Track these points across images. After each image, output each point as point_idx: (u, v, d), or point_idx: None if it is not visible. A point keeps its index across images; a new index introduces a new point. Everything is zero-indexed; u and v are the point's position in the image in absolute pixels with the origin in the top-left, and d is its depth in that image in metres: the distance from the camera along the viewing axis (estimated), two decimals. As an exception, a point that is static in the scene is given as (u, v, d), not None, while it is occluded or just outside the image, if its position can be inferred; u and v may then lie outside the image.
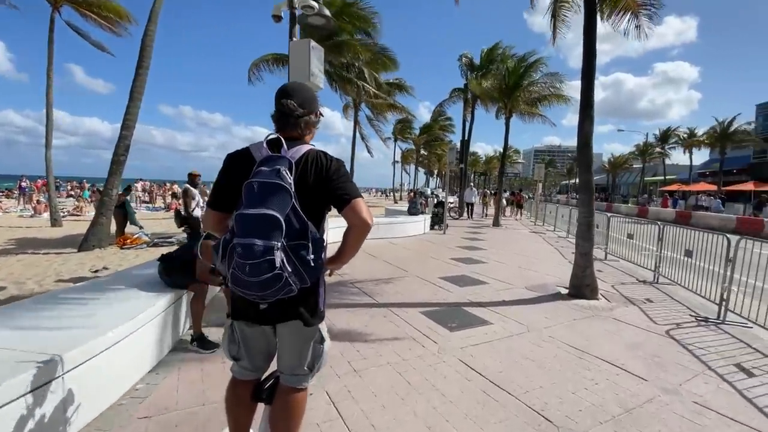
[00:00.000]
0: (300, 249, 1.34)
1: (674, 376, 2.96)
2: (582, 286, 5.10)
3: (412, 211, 12.17)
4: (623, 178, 51.96)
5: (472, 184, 17.73)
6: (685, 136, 29.89)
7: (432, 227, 12.91)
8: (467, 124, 20.21)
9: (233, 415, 1.65)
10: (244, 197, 1.34)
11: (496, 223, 14.96)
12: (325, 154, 1.51)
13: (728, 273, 4.36)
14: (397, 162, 40.78)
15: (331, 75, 11.60)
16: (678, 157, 40.46)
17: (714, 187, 27.14)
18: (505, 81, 14.70)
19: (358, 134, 21.44)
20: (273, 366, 1.68)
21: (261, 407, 1.71)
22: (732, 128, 25.20)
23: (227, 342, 1.62)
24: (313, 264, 1.38)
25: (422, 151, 38.31)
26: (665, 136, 37.15)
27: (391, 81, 19.80)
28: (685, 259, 5.67)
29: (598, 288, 5.18)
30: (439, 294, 5.07)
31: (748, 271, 4.20)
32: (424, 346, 3.35)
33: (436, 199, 17.32)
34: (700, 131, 28.67)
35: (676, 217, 22.22)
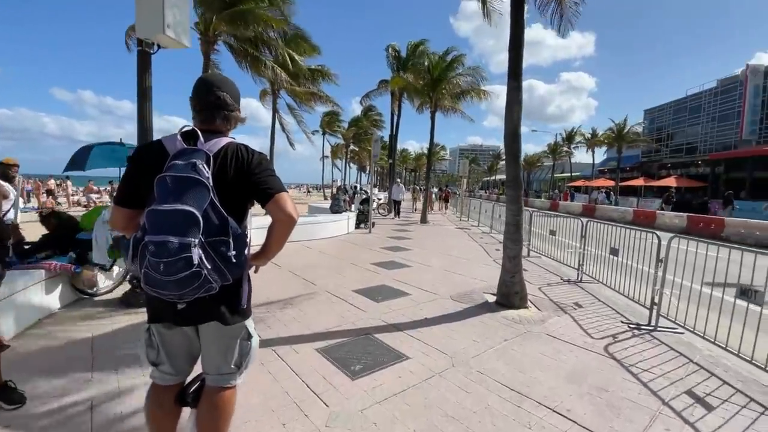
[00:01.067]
0: (220, 245, 1.29)
1: (630, 423, 2.29)
2: (511, 294, 4.48)
3: (335, 209, 11.04)
4: (535, 175, 56.60)
5: (399, 179, 16.95)
6: (589, 136, 33.16)
7: (357, 226, 11.93)
8: (395, 118, 19.66)
9: (156, 425, 1.52)
10: (156, 192, 1.24)
11: (423, 220, 14.52)
12: (246, 147, 1.44)
13: (659, 274, 4.01)
14: (327, 157, 39.16)
15: (236, 50, 9.91)
16: (581, 156, 45.07)
17: (612, 183, 30.41)
18: (430, 73, 14.27)
19: (278, 124, 19.62)
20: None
21: (185, 414, 1.58)
22: (626, 130, 28.51)
23: (145, 347, 1.49)
24: (235, 260, 1.32)
25: (352, 146, 37.28)
26: (570, 136, 40.93)
27: (313, 67, 18.36)
28: (609, 257, 5.43)
29: (527, 295, 4.61)
30: (349, 316, 4.04)
31: (682, 272, 3.86)
32: (307, 415, 2.28)
33: (364, 195, 16.43)
34: (600, 132, 31.99)
35: (583, 210, 24.31)
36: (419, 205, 26.01)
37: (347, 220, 10.62)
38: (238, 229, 1.35)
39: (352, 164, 55.64)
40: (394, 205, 16.84)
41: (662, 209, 16.32)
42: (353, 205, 13.26)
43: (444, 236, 11.05)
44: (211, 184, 1.28)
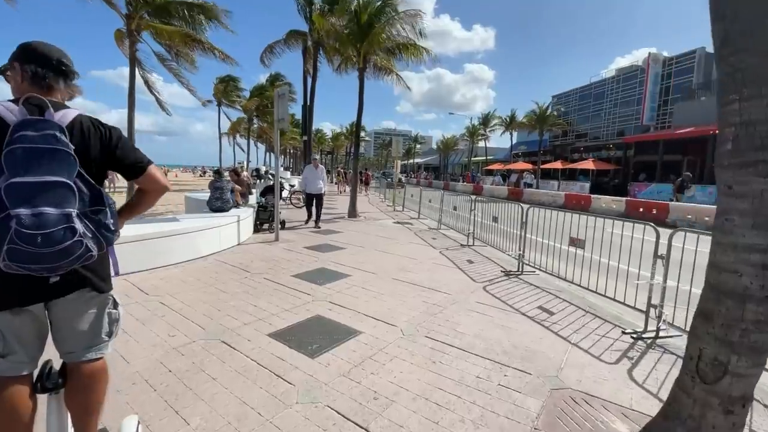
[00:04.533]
0: (97, 214, 1.31)
1: None
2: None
3: (215, 204, 6.92)
4: (450, 159, 57.03)
5: (317, 157, 11.07)
6: (508, 119, 33.02)
7: (258, 228, 7.99)
8: (309, 82, 15.52)
9: (10, 422, 1.31)
10: (6, 165, 1.17)
11: (352, 213, 11.10)
12: (98, 120, 1.43)
13: None
14: (225, 134, 32.66)
15: None
16: (493, 140, 45.94)
17: (530, 166, 30.71)
18: (357, 18, 10.64)
19: (141, 80, 13.97)
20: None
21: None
22: (548, 112, 28.65)
23: None
24: (112, 228, 1.36)
25: (257, 122, 31.56)
26: (486, 120, 41.10)
27: (191, 1, 13.17)
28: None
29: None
30: None
31: None
32: None
33: (269, 181, 12.20)
34: (521, 114, 31.98)
35: (509, 194, 23.50)
36: (343, 188, 22.88)
37: (237, 222, 6.64)
38: (109, 197, 1.37)
39: (260, 144, 49.13)
40: (312, 203, 8.98)
41: (676, 199, 14.17)
42: (254, 196, 9.18)
43: (387, 240, 7.81)
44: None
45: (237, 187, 7.40)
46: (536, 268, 5.51)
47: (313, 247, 6.72)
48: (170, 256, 5.12)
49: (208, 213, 6.87)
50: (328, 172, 44.66)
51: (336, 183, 23.25)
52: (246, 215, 7.16)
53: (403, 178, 33.08)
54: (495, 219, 6.64)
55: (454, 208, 9.05)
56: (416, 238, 8.22)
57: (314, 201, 8.93)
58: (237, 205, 7.55)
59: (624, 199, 14.53)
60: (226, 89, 27.02)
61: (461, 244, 7.60)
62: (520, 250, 5.64)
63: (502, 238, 6.48)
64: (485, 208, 7.34)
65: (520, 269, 5.58)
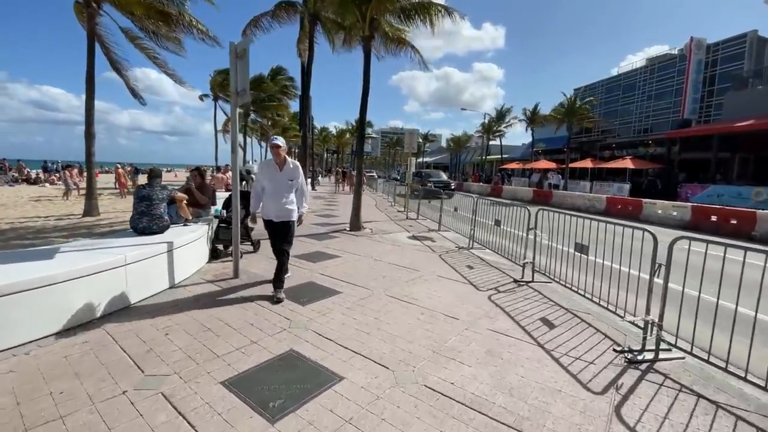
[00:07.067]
0: None
1: None
2: None
3: (141, 223, 4.47)
4: (461, 158, 54.22)
5: (280, 143, 4.00)
6: (529, 113, 30.20)
7: (217, 254, 5.56)
8: (305, 65, 13.09)
9: None
10: None
11: (355, 226, 8.63)
12: None
13: None
14: (223, 131, 30.46)
15: None
16: (507, 137, 42.97)
17: (554, 165, 27.94)
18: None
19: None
20: None
21: None
22: (578, 105, 25.82)
23: None
24: None
25: (255, 117, 29.28)
26: (501, 115, 38.21)
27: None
28: None
29: None
30: None
31: None
32: None
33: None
34: (547, 108, 29.08)
35: (535, 197, 20.84)
36: (342, 187, 20.63)
37: (169, 252, 4.20)
38: None
39: (263, 143, 47.12)
40: (275, 243, 4.05)
41: None
42: (214, 208, 6.73)
43: (405, 272, 5.32)
44: None
45: (179, 195, 4.92)
46: (674, 346, 3.03)
47: (290, 289, 4.27)
48: (8, 333, 2.71)
49: (131, 235, 4.46)
50: (328, 171, 41.53)
51: (335, 183, 21.43)
52: (193, 238, 4.74)
53: (453, 183, 23.96)
54: (583, 249, 4.12)
55: (497, 223, 6.53)
56: (445, 266, 5.74)
57: (277, 237, 4.04)
58: (185, 222, 5.13)
59: (689, 204, 11.84)
60: (224, 82, 24.84)
61: (514, 279, 5.11)
62: (649, 314, 3.13)
63: (589, 276, 3.99)
64: (559, 226, 4.75)
65: (653, 347, 3.08)
